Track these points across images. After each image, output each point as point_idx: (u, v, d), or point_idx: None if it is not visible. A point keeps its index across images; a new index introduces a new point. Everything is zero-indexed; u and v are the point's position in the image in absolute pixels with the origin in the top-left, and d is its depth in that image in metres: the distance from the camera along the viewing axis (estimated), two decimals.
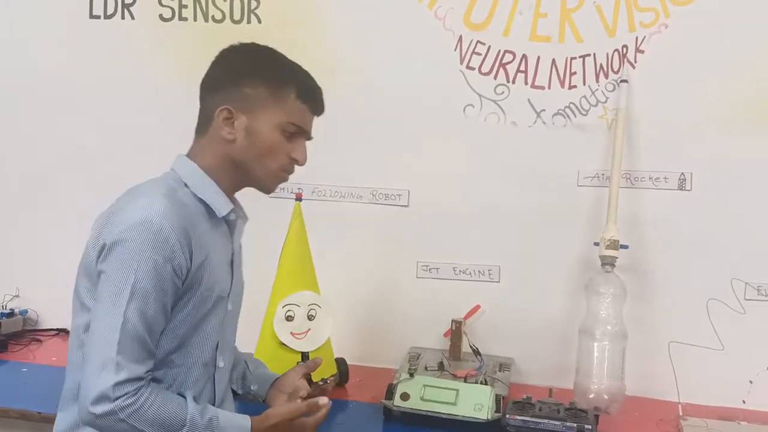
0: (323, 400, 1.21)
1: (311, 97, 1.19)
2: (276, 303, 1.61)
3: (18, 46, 2.05)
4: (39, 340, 1.98)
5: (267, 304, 1.64)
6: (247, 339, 1.69)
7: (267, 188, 1.21)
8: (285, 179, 1.21)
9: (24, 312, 2.04)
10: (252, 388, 1.33)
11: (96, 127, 2.01)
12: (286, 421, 1.17)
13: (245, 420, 1.14)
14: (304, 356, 1.58)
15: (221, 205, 1.16)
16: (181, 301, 1.10)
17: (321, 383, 1.61)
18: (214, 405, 1.19)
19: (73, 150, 2.03)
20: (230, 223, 1.21)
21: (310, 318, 1.62)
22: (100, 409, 1.02)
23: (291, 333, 1.59)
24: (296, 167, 1.21)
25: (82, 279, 1.13)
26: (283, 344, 1.58)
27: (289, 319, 1.60)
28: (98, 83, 1.99)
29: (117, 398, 1.02)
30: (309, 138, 1.22)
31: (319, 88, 1.21)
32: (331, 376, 1.67)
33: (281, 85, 1.16)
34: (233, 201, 1.22)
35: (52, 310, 2.04)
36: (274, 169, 1.18)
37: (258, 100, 1.15)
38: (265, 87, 1.15)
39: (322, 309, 1.63)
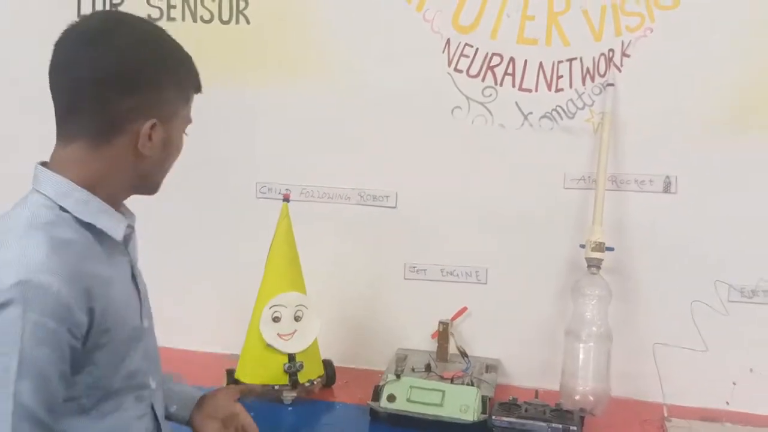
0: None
1: (200, 87, 1.03)
2: (263, 304, 1.60)
3: (2, 44, 2.03)
4: None
5: (253, 305, 1.64)
6: (234, 341, 1.71)
7: (155, 192, 1.05)
8: None
9: None
10: (171, 409, 1.15)
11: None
12: None
13: None
14: (291, 358, 1.57)
15: (116, 228, 0.97)
16: (93, 355, 0.92)
17: (308, 384, 1.61)
18: (159, 426, 1.07)
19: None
20: (125, 238, 1.02)
21: (297, 319, 1.61)
22: None
23: (278, 334, 1.59)
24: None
25: None
26: (270, 345, 1.59)
27: (275, 320, 1.59)
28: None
29: None
30: None
31: None
32: (318, 377, 1.67)
33: (188, 83, 1.00)
34: (121, 209, 1.02)
35: None
36: (167, 171, 1.04)
37: (174, 104, 0.98)
38: (180, 91, 0.99)
39: (309, 310, 1.63)
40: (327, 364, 1.72)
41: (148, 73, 0.95)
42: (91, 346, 0.91)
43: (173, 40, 1.00)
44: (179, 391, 1.17)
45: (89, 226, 0.94)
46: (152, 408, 1.06)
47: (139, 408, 1.02)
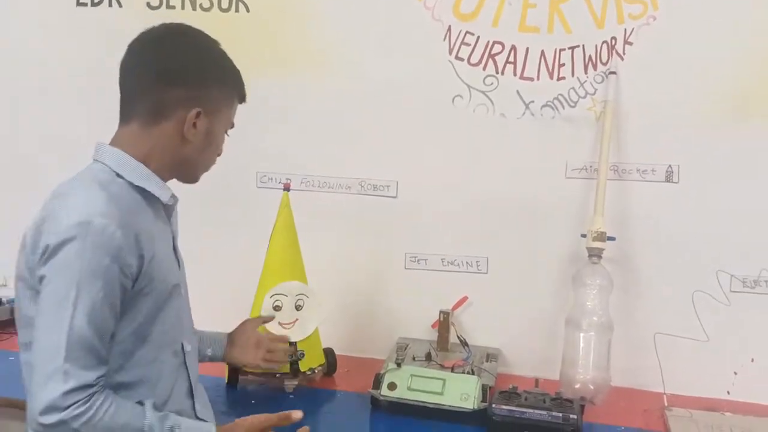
0: (297, 414, 1.19)
1: (245, 97, 1.21)
2: (263, 293, 1.60)
3: (2, 33, 2.03)
4: None
5: (254, 294, 1.64)
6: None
7: (195, 181, 1.21)
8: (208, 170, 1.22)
9: (12, 301, 2.03)
10: (207, 352, 1.36)
11: (80, 115, 1.99)
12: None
13: (210, 429, 1.12)
14: (292, 346, 1.57)
15: (163, 192, 1.14)
16: (137, 300, 1.06)
17: (309, 373, 1.61)
18: (191, 390, 1.19)
19: (58, 139, 2.01)
20: (167, 208, 1.18)
21: (298, 308, 1.61)
22: (49, 419, 0.98)
23: (279, 323, 1.59)
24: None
25: (23, 292, 1.07)
26: (271, 334, 1.57)
27: (276, 308, 1.59)
28: (84, 71, 1.97)
29: (67, 407, 0.98)
30: None
31: None
32: (319, 366, 1.67)
33: (232, 87, 1.18)
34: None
35: None
36: (209, 166, 1.20)
37: (218, 102, 1.15)
38: (225, 90, 1.16)
39: (310, 299, 1.62)
40: (328, 353, 1.72)
41: (196, 71, 1.12)
42: (137, 290, 1.06)
43: (224, 53, 1.18)
44: (210, 335, 1.38)
45: (140, 190, 1.10)
46: (186, 369, 1.18)
47: (174, 364, 1.15)
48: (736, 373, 1.67)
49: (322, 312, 1.63)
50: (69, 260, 0.99)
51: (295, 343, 1.58)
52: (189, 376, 1.19)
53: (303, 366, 1.60)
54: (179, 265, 1.21)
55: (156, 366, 1.11)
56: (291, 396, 1.59)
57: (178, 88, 1.10)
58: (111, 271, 1.00)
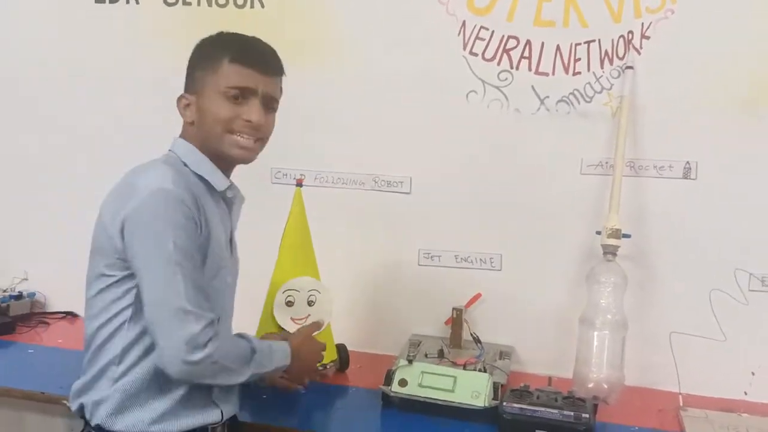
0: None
1: (246, 57, 1.22)
2: (276, 289, 1.62)
3: (22, 30, 2.06)
4: (46, 323, 2.01)
5: (267, 290, 1.65)
6: (247, 325, 1.71)
7: (235, 158, 1.25)
8: (244, 142, 1.23)
9: (32, 295, 2.07)
10: None
11: (102, 111, 2.02)
12: (310, 336, 1.42)
13: (284, 343, 1.32)
14: None
15: (219, 181, 1.25)
16: (202, 259, 1.18)
17: (321, 368, 1.62)
18: None
19: (81, 133, 2.04)
20: (228, 201, 1.29)
21: (310, 304, 1.62)
22: (196, 356, 1.08)
23: (291, 318, 1.60)
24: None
25: (97, 259, 1.20)
26: (283, 330, 1.59)
27: (289, 304, 1.60)
28: (103, 68, 2.00)
29: (207, 343, 1.10)
30: (269, 101, 1.26)
31: (261, 47, 1.26)
32: (331, 362, 1.68)
33: (216, 57, 1.22)
34: (229, 180, 1.30)
35: (60, 293, 2.07)
36: (225, 134, 1.22)
37: (202, 79, 1.22)
38: (205, 65, 1.23)
39: (322, 295, 1.63)
40: (341, 349, 1.72)
41: (188, 67, 1.27)
42: (202, 246, 1.17)
43: (212, 37, 1.27)
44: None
45: (200, 177, 1.23)
46: None
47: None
48: (753, 374, 1.65)
49: (334, 308, 1.64)
50: (154, 221, 1.11)
51: None
52: None
53: None
54: (232, 254, 1.31)
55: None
56: (303, 391, 1.59)
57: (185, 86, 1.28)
58: (189, 227, 1.13)
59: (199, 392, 1.21)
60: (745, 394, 1.65)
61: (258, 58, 1.24)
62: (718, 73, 1.60)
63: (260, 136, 1.25)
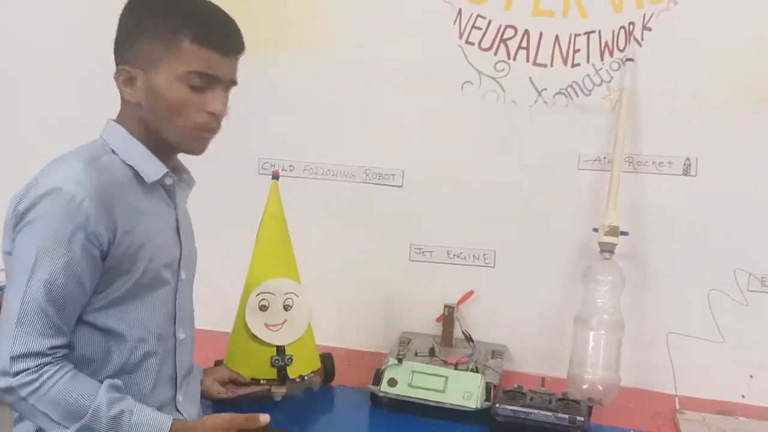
0: (264, 418, 1.16)
1: (212, 37, 1.05)
2: (249, 291, 1.46)
3: (15, 23, 1.99)
4: None
5: (241, 294, 1.53)
6: (221, 333, 1.62)
7: (190, 150, 1.12)
8: (206, 138, 1.11)
9: None
10: None
11: (91, 101, 1.95)
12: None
13: (166, 420, 1.04)
14: (280, 350, 1.44)
15: (151, 170, 1.09)
16: (114, 278, 1.04)
17: (298, 380, 1.47)
18: (175, 380, 1.15)
19: (62, 118, 1.96)
20: (168, 188, 1.14)
21: (287, 308, 1.46)
22: (0, 383, 0.97)
23: (265, 324, 1.45)
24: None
25: (7, 263, 1.06)
26: (256, 337, 1.44)
27: (263, 308, 1.44)
28: (95, 58, 1.92)
29: (17, 373, 0.97)
30: (230, 85, 1.11)
31: (226, 23, 1.09)
32: (312, 372, 1.50)
33: (171, 30, 1.04)
34: (174, 165, 1.16)
35: None
36: (189, 128, 1.07)
37: (153, 53, 1.04)
38: (156, 35, 1.04)
39: (301, 298, 1.47)
40: (326, 359, 1.57)
41: (122, 33, 1.08)
42: (113, 266, 1.03)
43: (170, 1, 1.09)
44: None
45: (131, 167, 1.08)
46: (174, 357, 1.15)
47: (160, 350, 1.13)
48: (751, 376, 1.61)
49: (313, 312, 1.50)
50: (35, 224, 0.99)
51: (283, 347, 1.45)
52: (176, 365, 1.15)
53: (292, 372, 1.45)
54: (181, 249, 1.17)
55: (135, 345, 1.09)
56: (277, 399, 1.46)
57: (115, 56, 1.08)
58: (75, 239, 0.98)
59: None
60: (743, 397, 1.61)
61: (224, 37, 1.07)
62: (721, 67, 1.56)
63: (219, 126, 1.11)
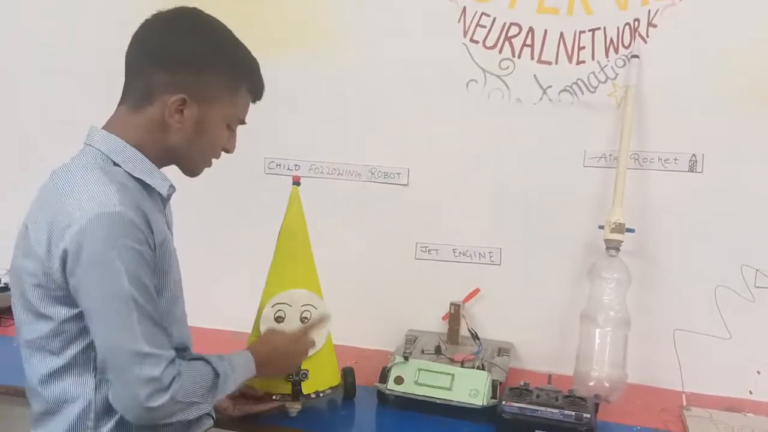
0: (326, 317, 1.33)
1: (259, 92, 1.16)
2: (266, 301, 1.42)
3: (12, 15, 2.00)
4: None
5: (260, 301, 1.49)
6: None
7: (190, 173, 1.16)
8: (210, 165, 1.18)
9: None
10: None
11: (90, 99, 1.96)
12: (285, 344, 1.28)
13: (246, 354, 1.22)
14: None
15: (161, 183, 1.11)
16: (158, 287, 1.06)
17: (313, 396, 1.40)
18: None
19: (64, 117, 1.97)
20: (164, 199, 1.15)
21: (304, 320, 1.39)
22: (158, 402, 1.00)
23: None
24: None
25: (31, 290, 1.03)
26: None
27: (278, 320, 1.38)
28: (90, 50, 1.94)
29: (169, 385, 1.01)
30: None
31: (262, 78, 1.18)
32: (329, 388, 1.43)
33: (237, 79, 1.12)
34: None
35: None
36: (207, 160, 1.15)
37: (215, 92, 1.09)
38: (224, 79, 1.10)
39: (319, 311, 1.41)
40: (347, 374, 1.50)
41: (190, 56, 1.07)
42: (157, 272, 1.05)
43: (236, 43, 1.13)
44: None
45: (139, 180, 1.07)
46: None
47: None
48: (759, 373, 1.61)
49: (329, 325, 1.44)
50: (102, 253, 0.97)
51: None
52: None
53: (307, 388, 1.39)
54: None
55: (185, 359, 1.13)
56: (293, 415, 1.42)
57: (166, 72, 1.06)
58: (143, 256, 1.00)
59: None
60: (751, 393, 1.61)
61: (263, 92, 1.17)
62: (726, 63, 1.56)
63: None
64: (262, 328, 1.40)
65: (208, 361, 1.13)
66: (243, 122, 1.17)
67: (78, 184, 1.01)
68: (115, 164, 1.06)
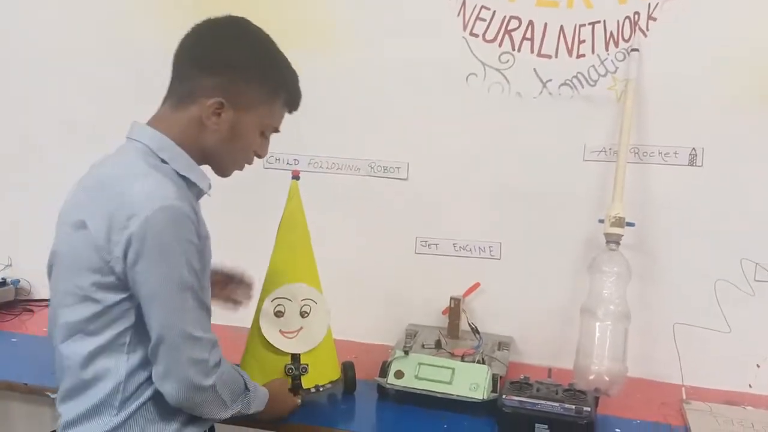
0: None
1: (296, 103, 1.21)
2: (265, 295, 1.42)
3: (19, 14, 1.99)
4: (31, 311, 1.96)
5: (259, 296, 1.49)
6: (237, 342, 1.61)
7: (222, 174, 1.21)
8: (242, 168, 1.22)
9: (16, 282, 2.01)
10: None
11: (87, 93, 1.96)
12: (283, 391, 1.34)
13: (265, 390, 1.27)
14: (294, 358, 1.39)
15: (204, 182, 1.17)
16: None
17: (313, 390, 1.42)
18: None
19: (64, 116, 1.98)
20: (198, 194, 1.19)
21: (303, 315, 1.40)
22: (206, 382, 1.09)
23: (280, 331, 1.39)
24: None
25: (78, 275, 1.07)
26: (270, 344, 1.39)
27: (278, 314, 1.38)
28: (85, 47, 1.94)
29: (217, 363, 1.11)
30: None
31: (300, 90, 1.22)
32: (329, 382, 1.44)
33: (275, 89, 1.17)
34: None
35: (46, 280, 2.00)
36: (240, 163, 1.20)
37: (252, 99, 1.14)
38: (261, 87, 1.15)
39: (319, 305, 1.41)
40: (347, 368, 1.50)
41: (231, 63, 1.12)
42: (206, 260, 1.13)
43: (277, 55, 1.18)
44: None
45: (184, 177, 1.12)
46: None
47: None
48: (758, 366, 1.61)
49: (330, 320, 1.45)
50: (166, 244, 1.03)
51: (299, 355, 1.39)
52: None
53: (307, 382, 1.40)
54: None
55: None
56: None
57: (209, 75, 1.12)
58: (197, 248, 1.07)
59: None
60: (750, 386, 1.62)
61: (299, 104, 1.22)
62: (726, 57, 1.55)
63: None
64: (262, 322, 1.41)
65: (242, 374, 1.21)
66: (277, 131, 1.22)
67: (138, 177, 1.06)
68: (163, 161, 1.11)
